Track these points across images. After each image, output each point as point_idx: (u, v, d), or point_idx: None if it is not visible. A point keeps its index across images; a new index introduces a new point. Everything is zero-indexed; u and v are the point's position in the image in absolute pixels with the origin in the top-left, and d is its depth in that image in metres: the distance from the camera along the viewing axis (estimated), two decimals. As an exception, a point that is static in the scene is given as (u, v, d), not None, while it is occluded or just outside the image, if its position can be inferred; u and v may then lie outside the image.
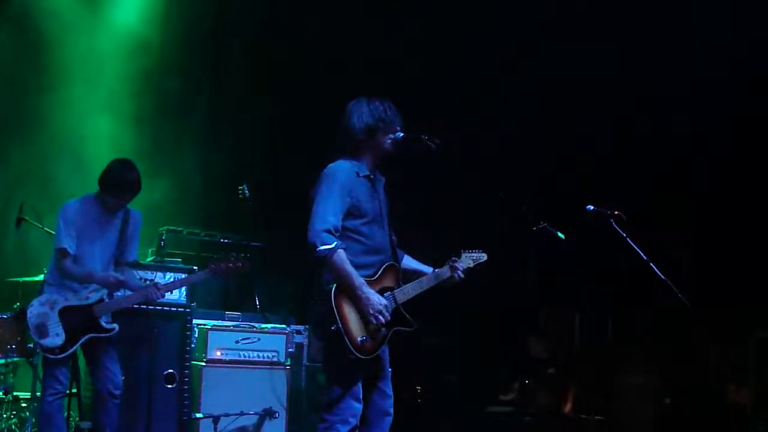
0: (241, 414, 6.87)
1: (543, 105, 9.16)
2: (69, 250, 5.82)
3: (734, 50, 8.07)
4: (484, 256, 5.07)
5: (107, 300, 5.93)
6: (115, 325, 5.92)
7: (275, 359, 7.21)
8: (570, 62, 8.86)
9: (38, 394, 6.18)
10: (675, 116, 8.73)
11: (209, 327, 7.11)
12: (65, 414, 6.05)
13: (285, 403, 7.10)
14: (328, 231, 4.54)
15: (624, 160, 9.02)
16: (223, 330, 7.17)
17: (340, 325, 4.48)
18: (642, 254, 4.96)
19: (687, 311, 4.87)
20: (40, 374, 6.03)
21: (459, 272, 4.95)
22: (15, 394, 6.82)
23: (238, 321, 7.45)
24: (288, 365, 7.27)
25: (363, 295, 4.53)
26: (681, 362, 8.73)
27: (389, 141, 4.83)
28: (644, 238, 4.97)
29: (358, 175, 4.74)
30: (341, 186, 4.64)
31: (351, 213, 4.68)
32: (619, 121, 8.96)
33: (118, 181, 5.87)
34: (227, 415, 6.81)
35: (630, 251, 4.99)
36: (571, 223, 5.21)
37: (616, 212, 5.03)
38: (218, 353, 7.04)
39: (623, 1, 8.52)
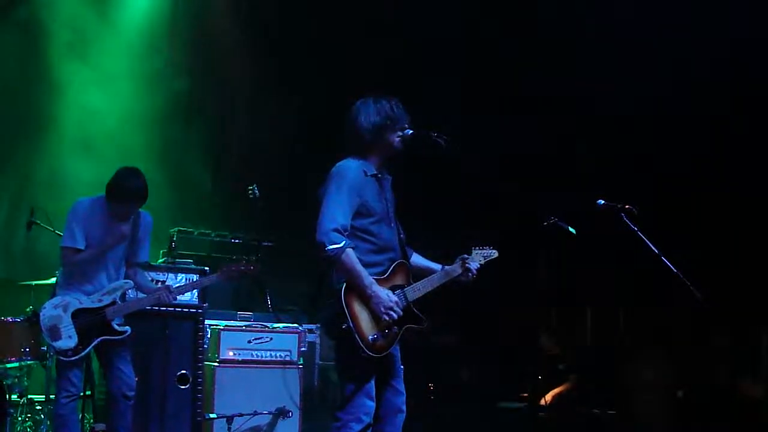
0: (255, 414, 6.88)
1: (544, 104, 9.16)
2: (77, 246, 5.83)
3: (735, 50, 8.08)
4: (494, 253, 5.05)
5: (120, 303, 5.94)
6: (128, 328, 5.93)
7: (288, 358, 7.22)
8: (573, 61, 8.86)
9: (52, 396, 6.21)
10: (677, 117, 8.72)
11: (221, 327, 7.13)
12: (79, 416, 6.07)
13: (298, 402, 7.11)
14: (337, 230, 4.54)
15: (633, 159, 9.01)
16: (235, 330, 7.18)
17: (351, 324, 4.49)
18: (654, 248, 4.95)
19: (699, 305, 4.86)
20: (54, 377, 6.05)
21: (472, 271, 4.94)
22: (29, 396, 6.85)
23: (250, 321, 7.46)
24: (301, 364, 7.27)
25: (373, 294, 4.53)
26: (693, 356, 8.71)
27: (398, 139, 4.83)
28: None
29: (366, 174, 4.74)
30: (350, 185, 4.64)
31: (359, 212, 4.68)
32: (621, 121, 8.95)
33: (125, 190, 5.86)
34: (241, 415, 6.82)
35: (642, 246, 4.98)
36: (582, 218, 5.21)
37: (627, 206, 5.03)
38: (231, 353, 7.05)
39: (626, 2, 8.51)
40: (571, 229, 5.17)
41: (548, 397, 8.54)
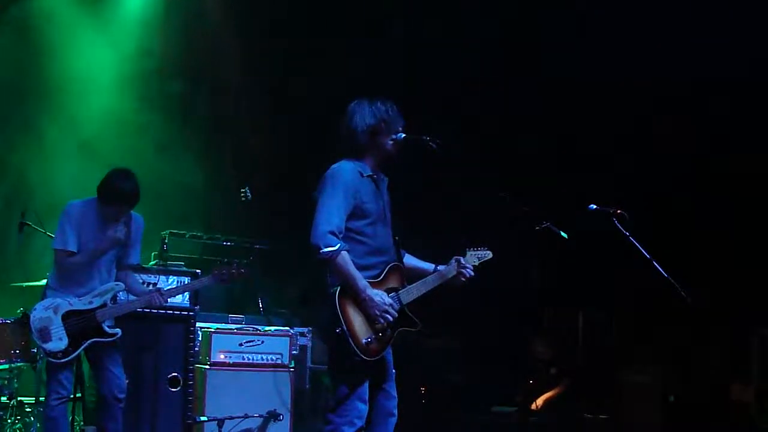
0: (246, 417, 6.87)
1: (544, 104, 9.18)
2: (70, 248, 5.80)
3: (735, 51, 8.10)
4: (489, 254, 5.05)
5: (110, 305, 5.93)
6: (118, 330, 5.91)
7: (279, 361, 7.21)
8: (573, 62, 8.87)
9: (42, 398, 6.18)
10: (676, 117, 8.74)
11: (213, 330, 7.12)
12: (70, 418, 6.04)
13: (289, 406, 7.11)
14: (332, 233, 4.53)
15: (625, 160, 9.03)
16: (226, 333, 7.17)
17: (345, 328, 4.48)
18: (644, 252, 4.96)
19: (690, 309, 4.87)
20: (44, 379, 6.03)
21: (468, 271, 4.93)
22: (19, 399, 6.82)
23: (242, 324, 7.46)
24: (292, 367, 7.27)
25: (367, 297, 4.52)
26: (684, 361, 8.73)
27: (391, 142, 4.82)
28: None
29: (361, 175, 4.73)
30: (345, 187, 4.64)
31: (355, 214, 4.67)
32: (622, 120, 8.97)
33: (116, 193, 5.84)
34: (231, 417, 6.81)
35: (633, 250, 4.99)
36: (574, 223, 5.22)
37: (618, 211, 5.03)
38: (222, 356, 7.04)
39: (624, 3, 8.53)
40: (563, 234, 5.16)
41: (539, 401, 8.55)
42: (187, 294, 6.99)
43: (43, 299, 5.88)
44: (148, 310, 6.45)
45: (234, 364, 7.06)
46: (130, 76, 9.41)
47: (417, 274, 4.90)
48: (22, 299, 7.22)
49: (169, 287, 6.54)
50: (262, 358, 7.16)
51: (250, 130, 9.94)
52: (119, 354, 5.98)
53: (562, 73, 8.87)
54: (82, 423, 6.35)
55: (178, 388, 6.87)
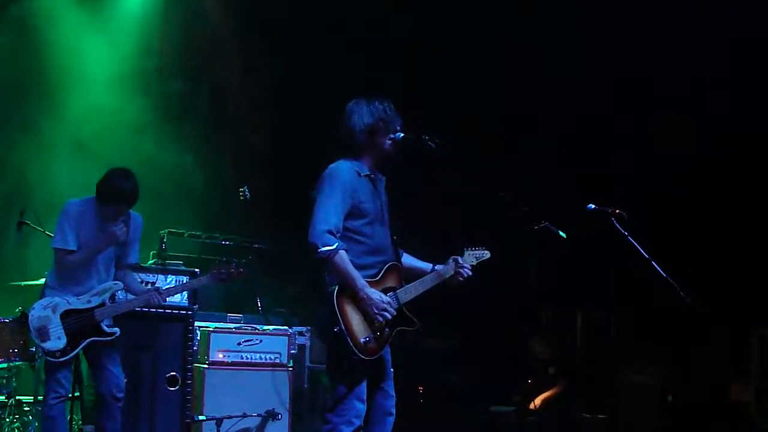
0: (244, 416, 6.87)
1: (544, 104, 9.18)
2: (70, 248, 5.80)
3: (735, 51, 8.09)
4: (487, 254, 5.06)
5: (109, 304, 5.92)
6: (117, 329, 5.91)
7: (277, 361, 7.21)
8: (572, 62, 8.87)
9: (40, 397, 6.18)
10: (674, 117, 8.74)
11: (211, 329, 7.12)
12: (68, 417, 6.04)
13: (288, 405, 7.10)
14: (330, 232, 4.53)
15: (625, 160, 9.03)
16: (225, 332, 7.17)
17: (343, 327, 4.48)
18: (643, 252, 4.96)
19: (689, 309, 4.87)
20: (42, 378, 6.02)
21: (465, 270, 4.93)
22: (18, 398, 6.81)
23: (240, 323, 7.45)
24: (290, 367, 7.27)
25: (365, 296, 4.52)
26: (683, 361, 8.72)
27: (389, 141, 4.82)
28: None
29: (359, 174, 4.74)
30: (343, 186, 4.64)
31: (352, 213, 4.67)
32: (620, 120, 8.96)
33: (114, 192, 5.83)
34: (230, 417, 6.81)
35: (631, 250, 4.99)
36: (572, 222, 5.22)
37: (617, 211, 5.03)
38: (220, 355, 7.04)
39: (624, 2, 8.53)
40: (561, 233, 5.16)
41: (537, 401, 8.54)
42: (185, 293, 6.98)
43: (41, 298, 5.87)
44: (146, 309, 6.45)
45: (232, 364, 7.06)
46: (130, 75, 9.40)
47: (415, 274, 4.91)
48: (21, 298, 7.22)
49: (168, 286, 6.55)
50: (261, 358, 7.16)
51: (250, 130, 9.93)
52: (118, 353, 5.98)
53: (562, 72, 8.86)
54: (80, 422, 6.34)
55: (177, 388, 6.86)
